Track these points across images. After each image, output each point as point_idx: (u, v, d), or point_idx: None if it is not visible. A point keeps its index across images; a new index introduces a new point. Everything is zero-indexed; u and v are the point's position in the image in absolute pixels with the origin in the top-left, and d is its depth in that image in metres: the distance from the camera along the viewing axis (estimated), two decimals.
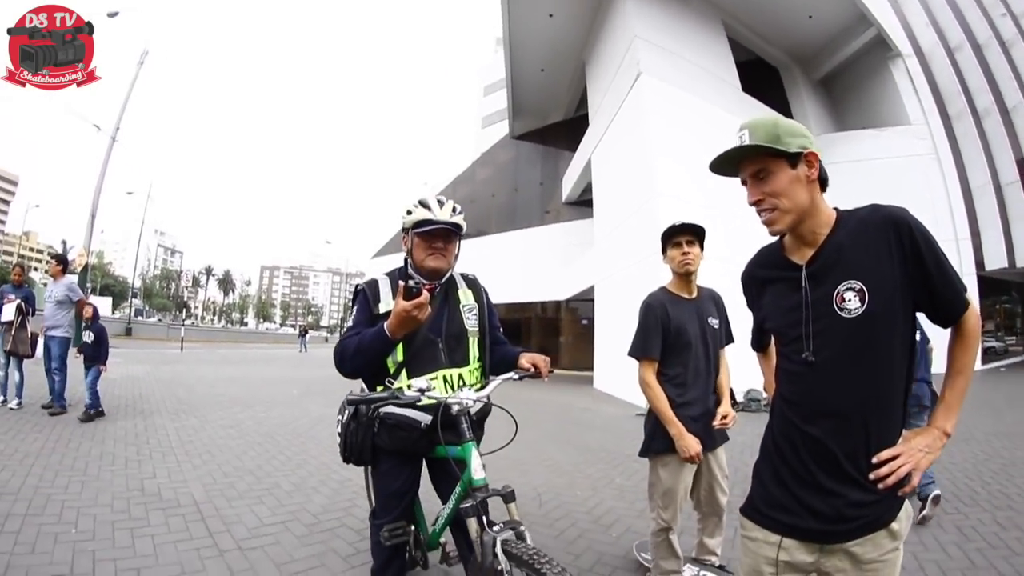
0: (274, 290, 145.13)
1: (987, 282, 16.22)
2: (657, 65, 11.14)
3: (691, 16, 13.20)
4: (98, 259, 72.20)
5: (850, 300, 1.08)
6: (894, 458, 1.07)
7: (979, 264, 14.80)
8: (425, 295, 1.61)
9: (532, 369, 1.84)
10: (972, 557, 2.76)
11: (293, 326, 37.10)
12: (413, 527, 1.95)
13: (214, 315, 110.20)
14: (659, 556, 2.27)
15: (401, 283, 1.61)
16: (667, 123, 10.42)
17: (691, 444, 2.10)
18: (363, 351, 1.70)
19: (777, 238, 1.24)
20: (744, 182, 1.20)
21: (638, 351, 2.25)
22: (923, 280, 1.07)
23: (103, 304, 49.27)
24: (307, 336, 32.34)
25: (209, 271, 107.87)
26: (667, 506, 2.23)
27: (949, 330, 1.15)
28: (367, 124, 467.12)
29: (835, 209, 1.18)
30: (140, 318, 50.88)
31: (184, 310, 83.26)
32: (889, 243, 1.07)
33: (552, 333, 20.13)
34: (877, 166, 14.54)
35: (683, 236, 2.22)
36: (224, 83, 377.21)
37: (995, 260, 15.06)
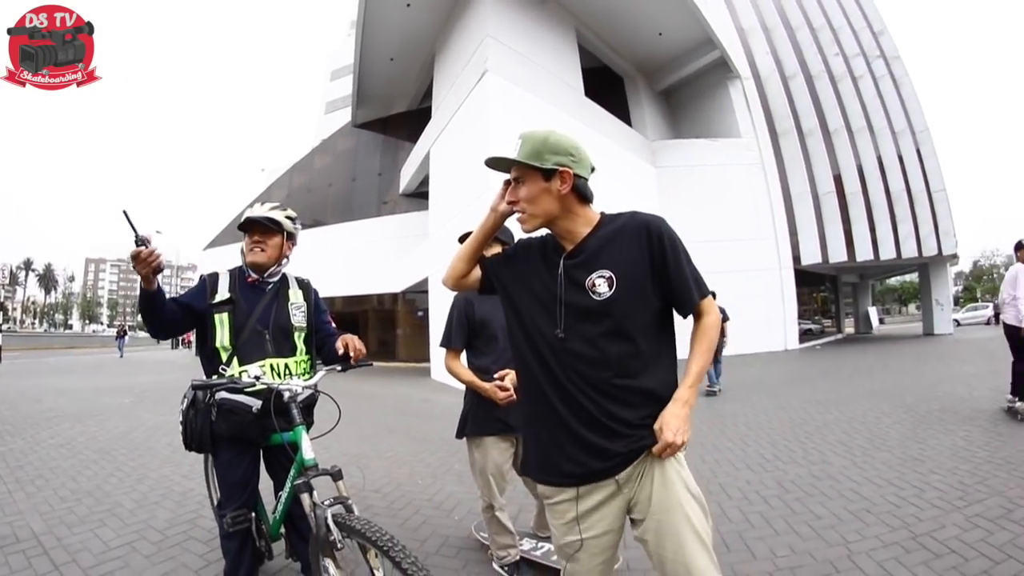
0: (100, 287, 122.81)
1: (804, 275, 19.05)
2: (504, 65, 11.35)
3: (545, 21, 13.66)
4: None
5: (600, 285, 1.26)
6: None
7: (796, 259, 17.23)
8: (144, 249, 1.71)
9: (343, 349, 1.97)
10: (792, 505, 3.15)
11: (121, 327, 32.46)
12: (254, 515, 2.04)
13: (35, 317, 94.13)
14: (492, 532, 2.40)
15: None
16: (508, 122, 10.55)
17: (495, 392, 2.17)
18: (141, 308, 1.91)
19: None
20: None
21: (445, 342, 2.44)
22: (665, 277, 1.27)
23: None
24: (125, 338, 27.36)
25: (28, 265, 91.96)
26: (485, 484, 2.35)
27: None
28: (202, 104, 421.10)
29: (601, 213, 1.37)
30: None
31: (0, 313, 70.25)
32: (641, 243, 1.28)
33: (389, 326, 19.80)
34: (709, 171, 16.47)
35: (496, 243, 2.14)
36: None
37: (811, 256, 17.64)
